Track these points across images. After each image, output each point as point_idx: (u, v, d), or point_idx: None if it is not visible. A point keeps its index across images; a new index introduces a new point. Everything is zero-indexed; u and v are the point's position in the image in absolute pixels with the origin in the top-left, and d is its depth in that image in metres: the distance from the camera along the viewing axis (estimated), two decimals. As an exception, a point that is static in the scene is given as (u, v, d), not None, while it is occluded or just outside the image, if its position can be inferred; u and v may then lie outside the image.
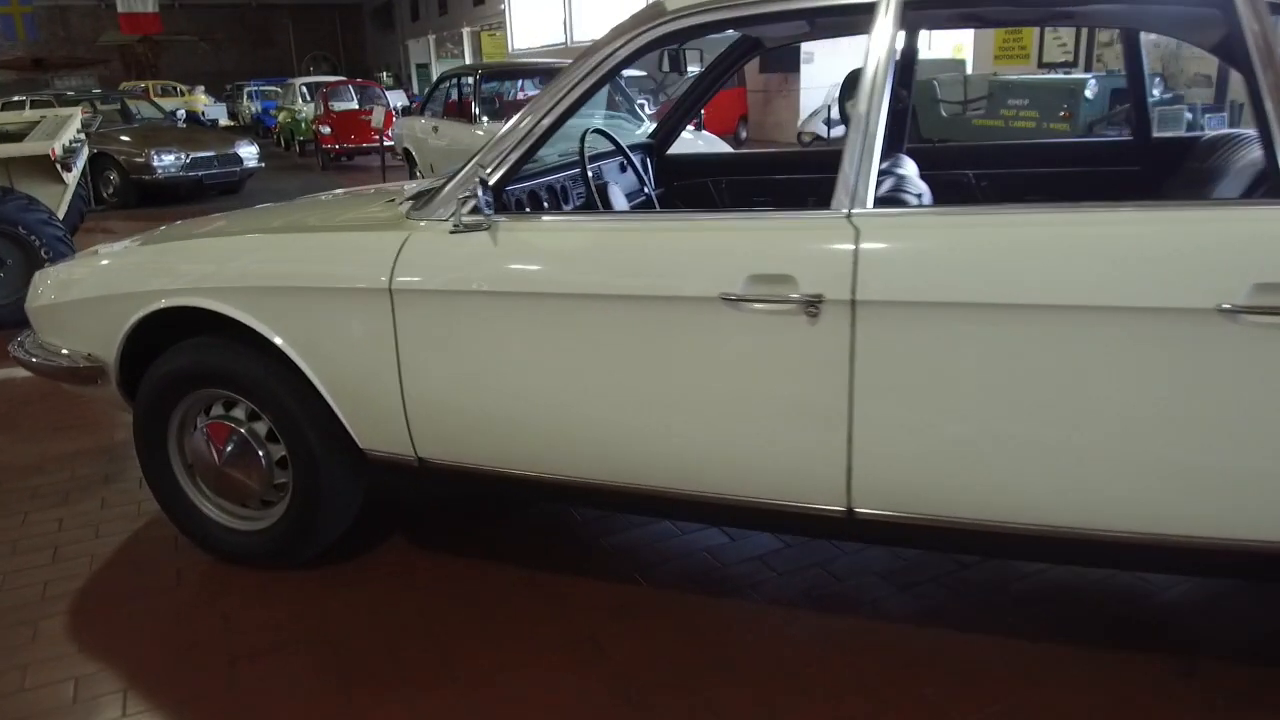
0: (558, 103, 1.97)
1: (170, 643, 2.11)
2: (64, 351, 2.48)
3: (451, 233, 1.98)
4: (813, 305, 1.71)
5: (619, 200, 2.49)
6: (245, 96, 24.23)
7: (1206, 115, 8.06)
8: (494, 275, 1.92)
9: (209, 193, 10.54)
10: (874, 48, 1.78)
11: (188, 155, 9.86)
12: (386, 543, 2.53)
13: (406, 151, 8.68)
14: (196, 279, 2.21)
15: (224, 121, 22.72)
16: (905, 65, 2.96)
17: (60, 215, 5.29)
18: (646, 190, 2.85)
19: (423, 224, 2.04)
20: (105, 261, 2.46)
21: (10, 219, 4.86)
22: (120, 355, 2.37)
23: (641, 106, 7.60)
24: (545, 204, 2.48)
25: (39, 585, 2.38)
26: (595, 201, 2.37)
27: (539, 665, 2.00)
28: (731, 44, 2.98)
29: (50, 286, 2.54)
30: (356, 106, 15.19)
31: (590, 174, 2.47)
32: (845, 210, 1.74)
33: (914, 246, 1.69)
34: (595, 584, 2.30)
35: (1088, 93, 8.50)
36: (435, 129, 7.74)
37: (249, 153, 10.49)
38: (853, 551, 2.39)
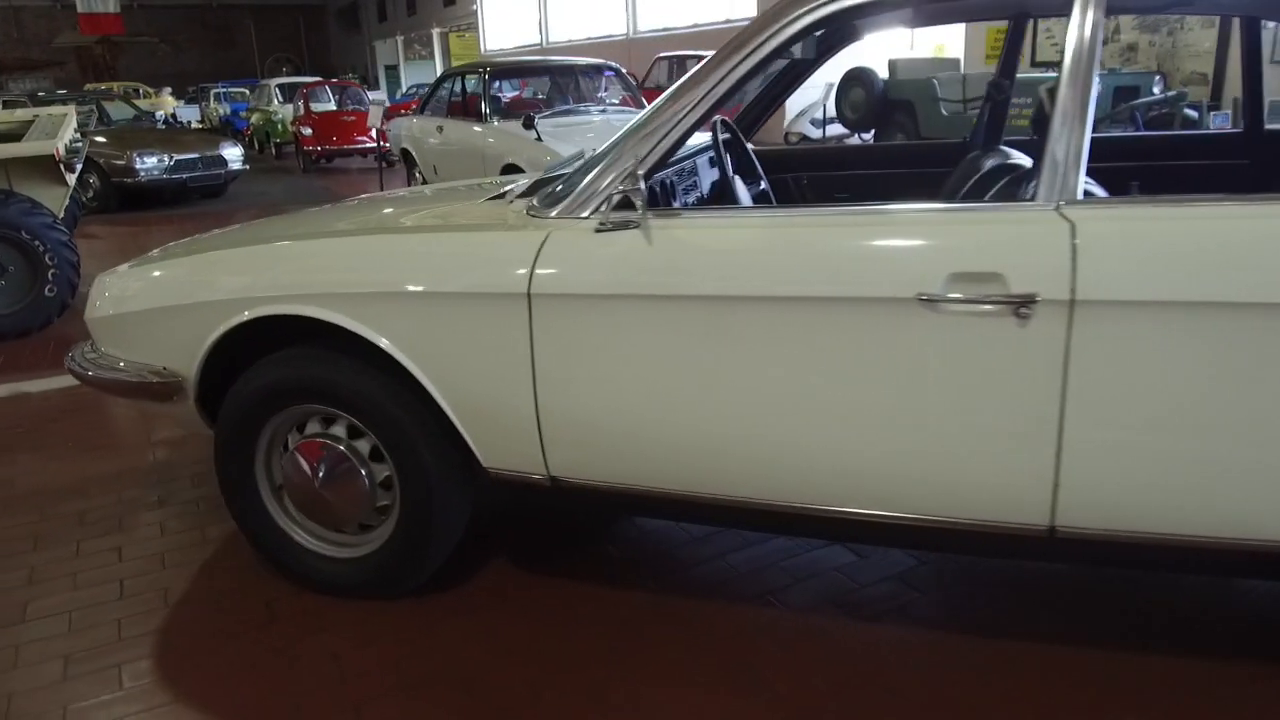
0: (711, 89, 1.79)
1: (281, 689, 1.91)
2: (133, 365, 2.26)
3: (597, 231, 1.80)
4: (1024, 305, 1.56)
5: (745, 195, 2.33)
6: (212, 98, 23.63)
7: (1212, 114, 8.10)
8: (649, 277, 1.75)
9: (192, 196, 10.19)
10: (1079, 30, 1.65)
11: (171, 157, 9.51)
12: (481, 563, 2.34)
13: (405, 152, 8.42)
14: (298, 284, 2.00)
15: (194, 124, 22.15)
16: (1009, 53, 2.83)
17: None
18: (764, 185, 2.69)
19: (559, 221, 1.86)
20: (178, 267, 2.24)
21: (13, 223, 4.57)
22: (201, 369, 2.16)
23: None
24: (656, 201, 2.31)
25: (111, 625, 2.16)
26: (733, 195, 2.20)
27: (697, 696, 1.83)
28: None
29: (113, 294, 2.31)
30: (335, 108, 14.87)
31: (724, 166, 2.29)
32: (1055, 202, 1.60)
33: (1138, 240, 1.55)
34: (728, 607, 2.14)
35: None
36: (440, 129, 7.50)
37: (233, 155, 10.16)
38: (996, 569, 2.25)
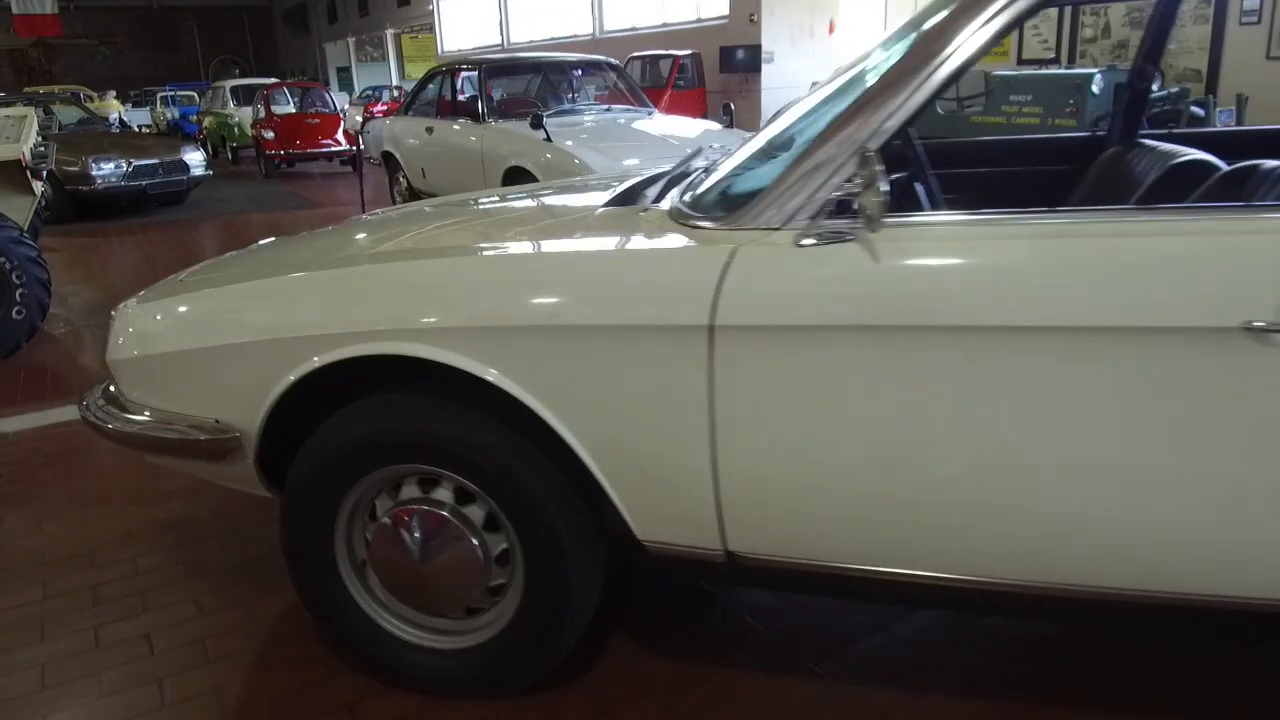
0: (940, 64, 1.41)
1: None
2: (171, 417, 1.83)
3: (800, 244, 1.43)
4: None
5: (924, 197, 1.98)
6: (159, 102, 22.69)
7: (1218, 110, 7.98)
8: (880, 304, 1.37)
9: (151, 204, 9.57)
10: None
11: (129, 163, 8.89)
12: (593, 645, 1.96)
13: (387, 156, 7.94)
14: (401, 317, 1.60)
15: (144, 128, 21.20)
16: (1158, 36, 2.52)
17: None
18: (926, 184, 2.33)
19: (746, 234, 1.48)
20: (227, 296, 1.81)
21: (-26, 238, 4.04)
22: (265, 422, 1.74)
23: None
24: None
25: (158, 742, 1.73)
26: (929, 199, 1.84)
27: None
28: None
29: (141, 330, 1.88)
30: (294, 110, 14.25)
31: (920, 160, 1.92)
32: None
33: None
34: (926, 701, 1.78)
35: (1094, 88, 8.33)
36: (429, 130, 7.04)
37: (195, 160, 9.55)
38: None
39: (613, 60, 7.35)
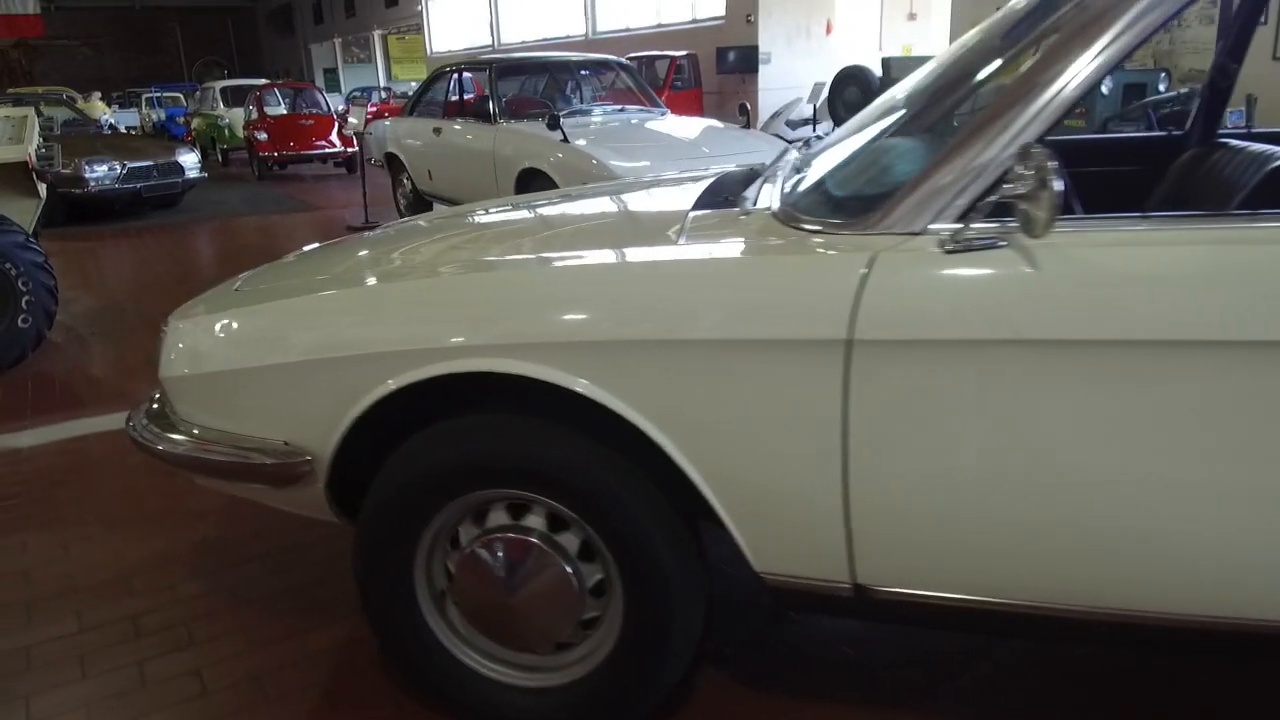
0: (1118, 35, 1.27)
1: None
2: (232, 438, 1.69)
3: (950, 251, 1.31)
4: None
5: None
6: (144, 103, 22.38)
7: (1229, 111, 7.93)
8: (1047, 315, 1.25)
9: (144, 207, 9.36)
10: None
11: (123, 165, 8.67)
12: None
13: (390, 157, 7.78)
14: (498, 332, 1.47)
15: (131, 130, 20.88)
16: (1242, 32, 2.43)
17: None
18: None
19: (883, 239, 1.36)
20: (295, 309, 1.67)
21: (-22, 243, 3.87)
22: (340, 444, 1.60)
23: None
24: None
25: (224, 793, 1.59)
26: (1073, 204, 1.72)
27: None
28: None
29: (198, 345, 1.74)
30: (285, 111, 14.03)
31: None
32: None
33: None
34: (1038, 730, 1.66)
35: (1103, 88, 8.28)
36: (436, 131, 6.89)
37: (190, 162, 9.34)
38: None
39: (623, 60, 7.23)
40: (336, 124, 12.96)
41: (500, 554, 1.59)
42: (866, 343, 1.32)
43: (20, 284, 3.96)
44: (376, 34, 31.84)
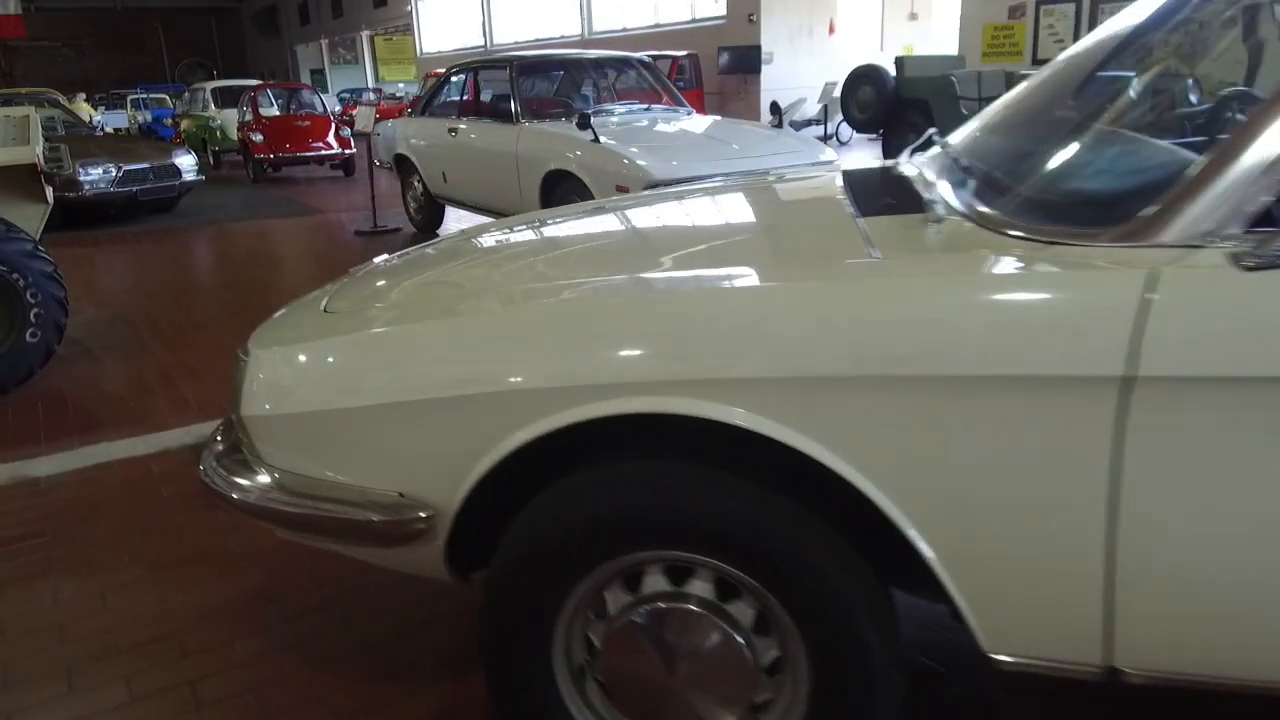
0: None
1: None
2: (333, 488, 1.43)
3: (1250, 267, 1.07)
4: None
5: None
6: (129, 105, 21.95)
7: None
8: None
9: (140, 211, 9.03)
10: None
11: (119, 168, 8.35)
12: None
13: (400, 159, 7.50)
14: (683, 366, 1.21)
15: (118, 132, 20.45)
16: None
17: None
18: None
19: (1145, 252, 1.12)
20: (419, 338, 1.41)
21: (-16, 253, 3.57)
22: (467, 499, 1.35)
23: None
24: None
25: None
26: None
27: None
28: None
29: (288, 381, 1.47)
30: (277, 112, 13.70)
31: None
32: None
33: None
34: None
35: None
36: (452, 132, 6.62)
37: (187, 164, 9.03)
38: None
39: (645, 58, 6.99)
40: (333, 125, 12.65)
41: (657, 625, 1.34)
42: (1151, 379, 1.08)
43: (29, 296, 3.67)
44: (364, 35, 31.49)
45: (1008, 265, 1.20)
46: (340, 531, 1.44)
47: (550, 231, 1.94)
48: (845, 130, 12.64)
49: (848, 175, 1.98)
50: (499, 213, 6.41)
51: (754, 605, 1.33)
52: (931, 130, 2.24)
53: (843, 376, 1.17)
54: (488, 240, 1.95)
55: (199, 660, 1.93)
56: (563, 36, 19.71)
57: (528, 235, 1.93)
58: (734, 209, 1.93)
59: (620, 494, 1.30)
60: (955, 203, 1.44)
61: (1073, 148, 1.48)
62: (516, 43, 21.54)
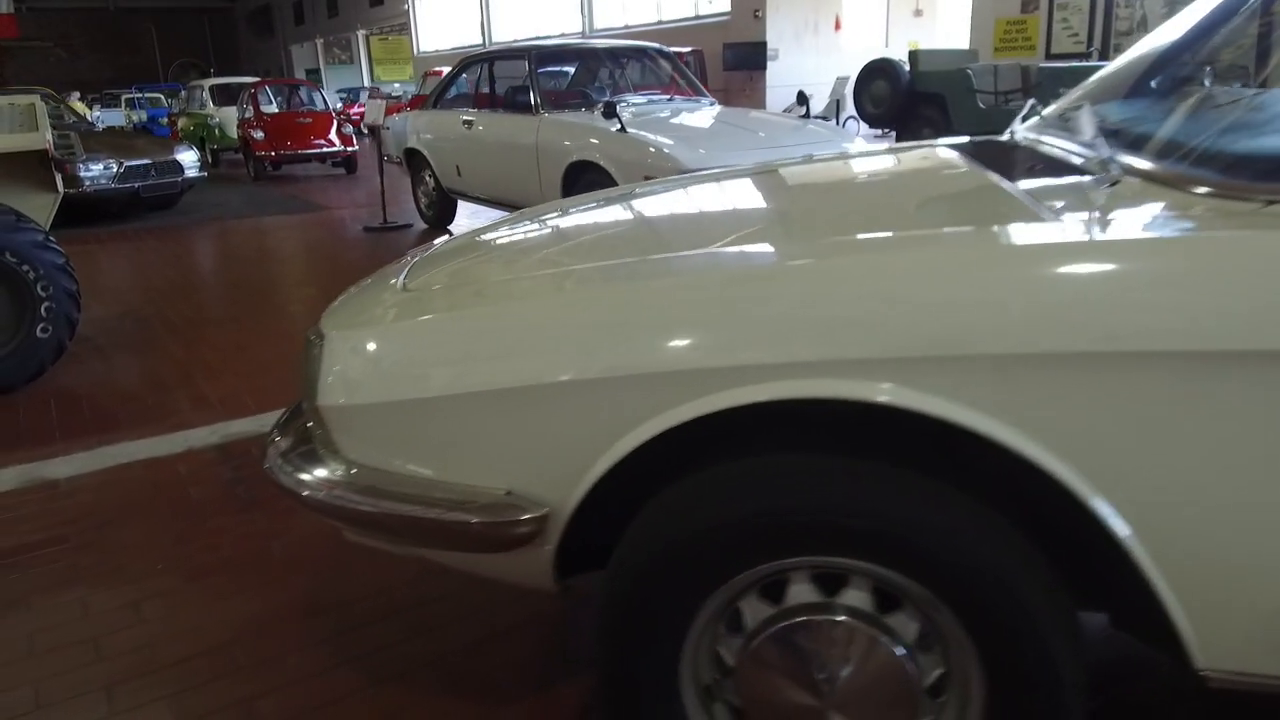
0: None
1: None
2: (427, 485, 1.27)
3: None
4: None
5: None
6: (124, 104, 21.72)
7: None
8: None
9: (141, 208, 8.83)
10: None
11: (120, 164, 8.15)
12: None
13: (410, 153, 7.32)
14: (882, 342, 1.05)
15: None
16: None
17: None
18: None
19: None
20: (542, 312, 1.24)
21: (-6, 242, 3.39)
22: (585, 497, 1.19)
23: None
24: None
25: None
26: None
27: None
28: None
29: (374, 365, 1.30)
30: (276, 110, 13.51)
31: None
32: None
33: None
34: None
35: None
36: (467, 124, 6.45)
37: (189, 160, 8.82)
38: None
39: (665, 48, 6.84)
40: (335, 122, 12.47)
41: (805, 641, 1.18)
42: None
43: (40, 289, 3.48)
44: (360, 34, 31.26)
45: (1231, 226, 1.04)
46: (429, 535, 1.27)
47: (643, 205, 1.78)
48: (852, 125, 12.54)
49: (962, 146, 1.82)
50: (516, 206, 6.24)
51: (916, 617, 1.17)
52: (1031, 101, 2.08)
53: (1046, 354, 1.00)
54: (574, 217, 1.79)
55: (251, 677, 1.76)
56: (562, 34, 19.54)
57: (618, 210, 1.76)
58: (841, 181, 1.76)
59: (769, 492, 1.13)
60: (1128, 161, 1.28)
61: (1244, 105, 1.33)
62: (516, 40, 21.36)
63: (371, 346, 1.31)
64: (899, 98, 9.78)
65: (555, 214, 1.83)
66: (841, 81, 10.78)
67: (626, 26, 18.14)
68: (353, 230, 7.63)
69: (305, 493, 1.36)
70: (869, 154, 2.02)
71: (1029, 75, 9.18)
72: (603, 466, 1.16)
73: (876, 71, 10.07)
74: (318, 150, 12.20)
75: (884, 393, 1.04)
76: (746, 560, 1.16)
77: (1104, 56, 10.12)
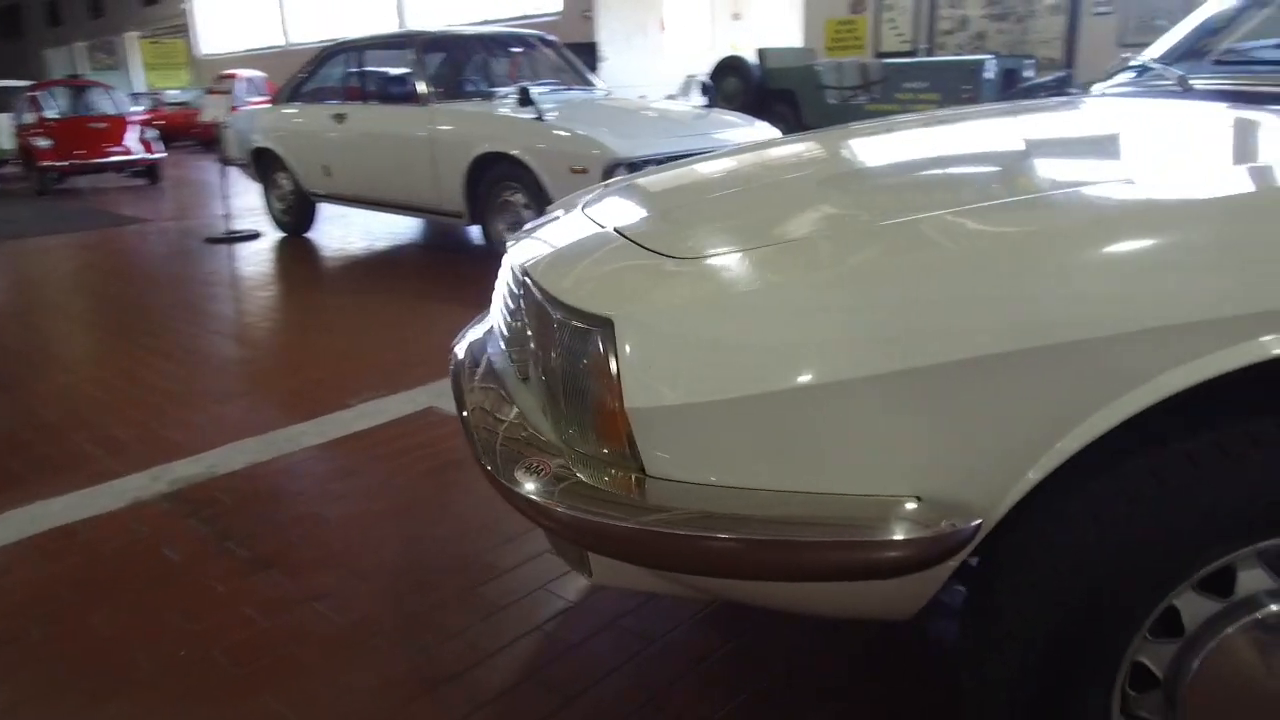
0: None
1: None
2: (790, 503, 0.95)
3: None
4: None
5: None
6: None
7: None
8: None
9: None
10: None
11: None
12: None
13: (258, 154, 6.56)
14: None
15: None
16: None
17: None
18: None
19: None
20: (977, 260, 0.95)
21: None
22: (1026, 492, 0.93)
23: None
24: None
25: None
26: None
27: None
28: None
29: (712, 351, 0.97)
30: (59, 115, 11.88)
31: None
32: None
33: None
34: None
35: (987, 73, 8.54)
36: (339, 118, 5.83)
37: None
38: None
39: (550, 37, 6.52)
40: (136, 127, 11.12)
41: (1267, 645, 0.97)
42: None
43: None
44: (132, 36, 28.40)
45: None
46: (812, 566, 0.95)
47: (909, 142, 1.51)
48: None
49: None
50: (401, 206, 5.72)
51: None
52: (1126, 56, 2.01)
53: None
54: (861, 147, 1.49)
55: (398, 783, 1.34)
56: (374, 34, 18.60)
57: (882, 146, 1.48)
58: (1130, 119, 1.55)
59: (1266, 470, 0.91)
60: None
61: None
62: (320, 40, 20.11)
63: (709, 327, 0.97)
64: (751, 94, 9.93)
65: (817, 142, 1.53)
66: (690, 80, 10.86)
67: (446, 26, 17.50)
68: (189, 242, 6.73)
69: (668, 530, 0.96)
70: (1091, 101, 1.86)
71: (868, 72, 9.56)
72: (1070, 446, 0.90)
73: (729, 69, 10.18)
74: (112, 158, 10.82)
75: None
76: (1225, 547, 0.94)
77: (930, 54, 10.75)
